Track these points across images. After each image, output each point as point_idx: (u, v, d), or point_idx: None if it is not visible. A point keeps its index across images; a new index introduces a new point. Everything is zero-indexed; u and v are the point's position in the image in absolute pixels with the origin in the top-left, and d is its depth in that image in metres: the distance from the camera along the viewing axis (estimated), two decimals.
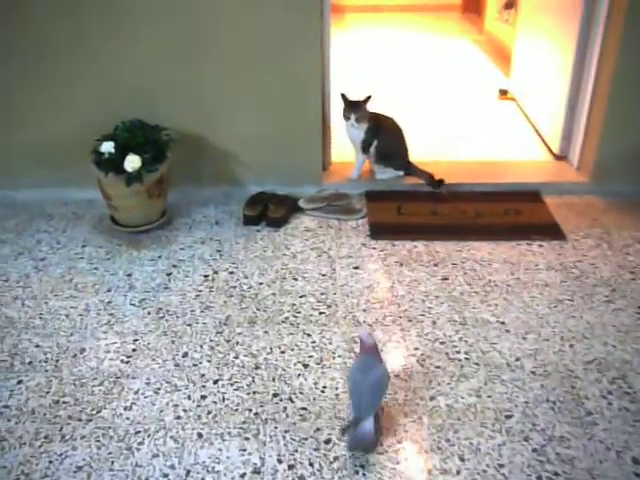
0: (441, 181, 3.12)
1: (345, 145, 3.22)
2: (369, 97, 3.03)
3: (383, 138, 3.12)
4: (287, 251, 2.76)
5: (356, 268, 2.64)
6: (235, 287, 2.54)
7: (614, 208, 3.07)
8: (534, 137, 3.73)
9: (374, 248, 2.77)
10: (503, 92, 4.24)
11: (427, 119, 4.02)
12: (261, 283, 2.56)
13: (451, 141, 3.72)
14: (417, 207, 3.04)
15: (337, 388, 2.06)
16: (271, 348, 2.23)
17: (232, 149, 3.11)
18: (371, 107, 3.08)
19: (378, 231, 2.87)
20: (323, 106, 3.07)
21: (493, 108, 4.18)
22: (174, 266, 2.66)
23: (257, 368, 2.15)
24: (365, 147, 3.12)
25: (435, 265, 2.66)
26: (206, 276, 2.60)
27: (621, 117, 3.02)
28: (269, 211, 2.96)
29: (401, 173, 3.21)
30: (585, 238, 2.84)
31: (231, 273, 2.62)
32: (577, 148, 3.26)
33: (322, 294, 2.50)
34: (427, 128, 3.85)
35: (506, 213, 3.01)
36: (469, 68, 4.96)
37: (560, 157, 3.40)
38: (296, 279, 2.58)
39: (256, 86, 2.97)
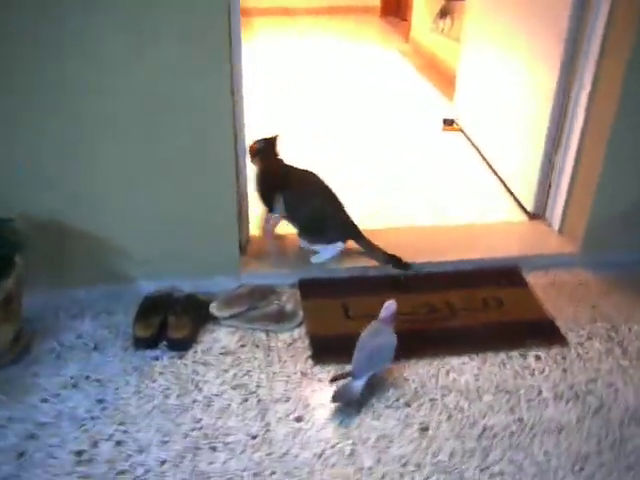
0: (407, 265, 2.40)
1: None
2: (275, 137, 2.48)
3: (292, 193, 2.42)
4: (199, 394, 1.94)
5: (299, 420, 1.87)
6: (125, 473, 1.71)
7: (614, 287, 2.43)
8: (496, 184, 3.05)
9: (320, 380, 2.00)
10: (448, 122, 3.55)
11: (358, 163, 3.27)
12: (164, 462, 1.73)
13: (392, 194, 2.99)
14: (369, 304, 2.27)
15: None
16: None
17: (116, 235, 2.24)
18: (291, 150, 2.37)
19: (322, 350, 2.10)
20: (237, 167, 2.27)
21: (438, 143, 3.48)
22: (31, 437, 1.79)
23: None
24: (262, 199, 2.49)
25: (407, 404, 1.92)
26: (79, 453, 1.75)
27: (625, 163, 2.37)
28: (170, 326, 2.13)
29: (340, 246, 2.45)
30: (589, 340, 2.18)
31: (119, 444, 1.78)
32: (559, 205, 2.61)
33: (256, 475, 1.71)
34: (359, 176, 3.11)
35: (485, 305, 2.30)
36: (401, 89, 4.23)
37: (535, 216, 2.74)
38: (215, 448, 1.78)
39: (146, 150, 2.13)
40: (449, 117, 3.56)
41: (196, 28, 1.96)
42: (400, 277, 2.40)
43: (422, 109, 3.91)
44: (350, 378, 1.89)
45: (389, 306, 1.95)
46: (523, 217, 2.78)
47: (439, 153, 3.38)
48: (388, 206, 2.88)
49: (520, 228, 2.70)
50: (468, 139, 3.44)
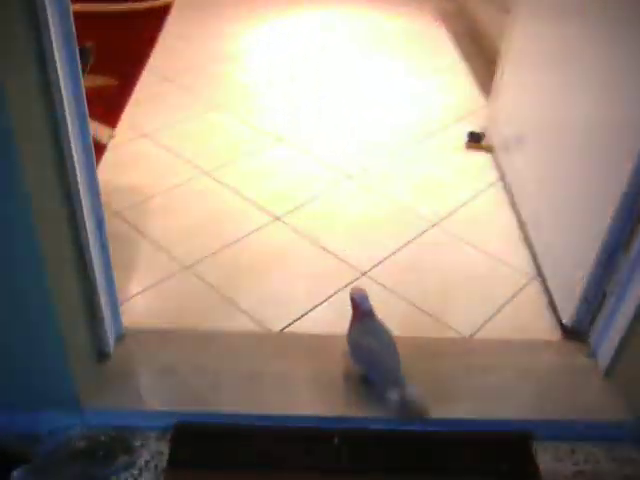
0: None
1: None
2: None
3: None
4: None
5: None
6: None
7: None
8: (523, 260, 2.06)
9: None
10: (475, 137, 2.52)
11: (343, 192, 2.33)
12: None
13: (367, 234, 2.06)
14: None
15: None
16: None
17: None
18: None
19: None
20: (77, 234, 1.39)
21: (455, 169, 2.45)
22: None
23: None
24: None
25: None
26: None
27: None
28: None
29: None
30: None
31: None
32: (614, 328, 1.62)
33: None
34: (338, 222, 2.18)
35: None
36: (423, 69, 3.17)
37: (572, 332, 1.76)
38: None
39: None
40: (476, 131, 2.52)
41: None
42: (333, 437, 1.50)
43: (446, 104, 2.87)
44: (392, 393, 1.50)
45: (362, 295, 1.55)
46: (553, 330, 1.81)
47: (456, 184, 2.38)
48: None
49: (543, 359, 1.71)
50: (498, 169, 2.41)
